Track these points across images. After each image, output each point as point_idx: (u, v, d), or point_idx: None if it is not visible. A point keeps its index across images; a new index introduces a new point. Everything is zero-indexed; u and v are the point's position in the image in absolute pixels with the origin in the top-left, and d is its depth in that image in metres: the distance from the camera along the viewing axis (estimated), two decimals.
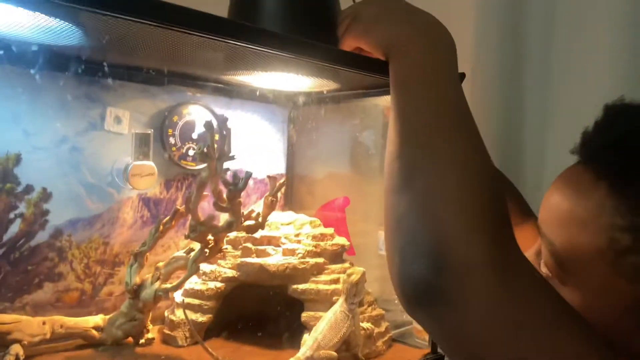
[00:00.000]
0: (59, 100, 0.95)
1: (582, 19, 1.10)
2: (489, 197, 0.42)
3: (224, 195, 0.80)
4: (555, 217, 0.49)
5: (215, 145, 0.81)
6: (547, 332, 0.37)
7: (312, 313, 0.97)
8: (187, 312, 1.00)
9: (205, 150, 0.76)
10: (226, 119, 0.80)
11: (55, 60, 0.90)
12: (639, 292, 0.42)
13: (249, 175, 0.77)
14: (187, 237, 0.87)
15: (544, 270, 0.51)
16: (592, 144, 0.49)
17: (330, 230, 1.10)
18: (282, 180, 0.92)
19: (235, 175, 0.77)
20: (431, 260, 0.40)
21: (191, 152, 1.10)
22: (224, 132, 0.80)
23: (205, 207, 0.94)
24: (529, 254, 0.55)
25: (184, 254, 0.96)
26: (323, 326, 0.91)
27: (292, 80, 0.99)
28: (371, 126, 1.30)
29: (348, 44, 0.64)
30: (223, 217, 0.93)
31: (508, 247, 0.40)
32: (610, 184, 0.45)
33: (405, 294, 0.43)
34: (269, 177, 0.89)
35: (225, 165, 0.79)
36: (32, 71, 0.85)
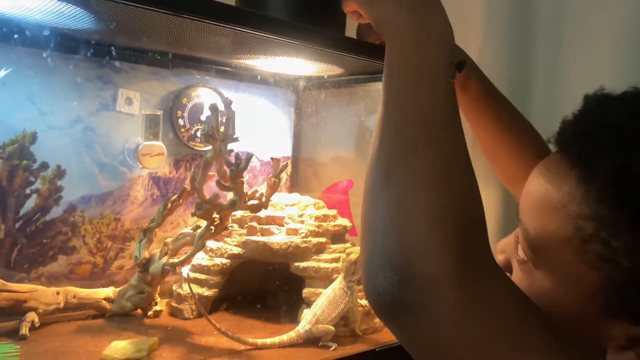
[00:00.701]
0: (72, 82, 0.99)
1: (591, 14, 1.11)
2: (462, 212, 0.42)
3: (228, 175, 0.83)
4: (531, 203, 0.51)
5: (222, 128, 0.84)
6: (513, 344, 0.38)
7: (312, 289, 1.01)
8: (194, 286, 1.04)
9: (209, 131, 0.79)
10: (230, 102, 0.84)
11: (68, 43, 0.94)
12: (601, 279, 0.44)
13: (249, 156, 0.80)
14: (193, 214, 0.91)
15: (520, 254, 0.53)
16: (568, 133, 0.49)
17: (333, 212, 1.14)
18: (284, 163, 0.95)
19: (237, 156, 0.80)
20: (396, 273, 0.40)
21: (199, 134, 1.14)
22: (229, 115, 0.83)
23: (212, 186, 0.98)
24: (511, 237, 0.57)
25: (191, 231, 1.00)
26: (322, 302, 0.94)
27: (298, 64, 1.02)
28: (375, 111, 1.33)
29: (349, 6, 0.61)
30: (230, 197, 0.97)
31: (477, 263, 0.41)
32: (580, 174, 0.46)
33: (371, 301, 0.43)
34: (272, 158, 0.93)
35: (230, 146, 0.83)
36: (44, 54, 0.88)
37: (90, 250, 1.04)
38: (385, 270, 0.41)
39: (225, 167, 0.87)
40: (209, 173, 0.86)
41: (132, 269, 1.09)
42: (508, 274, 0.54)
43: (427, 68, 0.49)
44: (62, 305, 0.95)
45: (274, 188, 0.94)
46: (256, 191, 0.94)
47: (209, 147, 1.17)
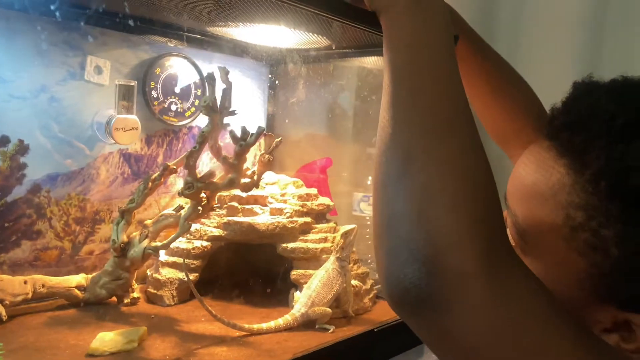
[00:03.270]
0: (36, 47, 0.88)
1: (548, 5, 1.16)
2: (485, 201, 0.42)
3: (232, 151, 0.77)
4: (520, 190, 0.51)
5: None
6: (538, 338, 0.38)
7: (302, 271, 0.98)
8: (172, 270, 0.98)
9: (210, 103, 0.73)
10: (227, 71, 0.78)
11: (31, 2, 0.83)
12: (589, 266, 0.44)
13: (261, 130, 0.75)
14: (181, 194, 0.84)
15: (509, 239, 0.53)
16: (557, 122, 0.49)
17: (314, 191, 1.10)
18: (278, 139, 0.90)
19: (244, 130, 0.74)
20: (424, 266, 0.39)
21: (173, 107, 1.06)
22: (226, 85, 0.77)
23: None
24: None
25: (173, 212, 0.93)
26: (316, 283, 0.91)
27: (277, 35, 0.96)
28: (351, 89, 1.30)
29: None
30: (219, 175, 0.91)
31: (502, 253, 0.40)
32: (570, 163, 0.46)
33: (394, 297, 0.41)
34: (266, 134, 0.87)
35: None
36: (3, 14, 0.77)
37: (57, 234, 0.94)
38: (412, 263, 0.39)
39: (219, 143, 0.81)
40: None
41: (103, 254, 1.00)
42: None
43: (434, 47, 0.48)
44: (30, 295, 0.86)
45: (267, 166, 0.89)
46: (247, 169, 0.89)
47: (183, 122, 1.10)
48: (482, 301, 0.38)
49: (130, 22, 0.94)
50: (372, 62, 1.21)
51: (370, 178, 1.34)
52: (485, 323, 0.38)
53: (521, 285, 0.40)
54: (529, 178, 0.49)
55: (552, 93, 0.89)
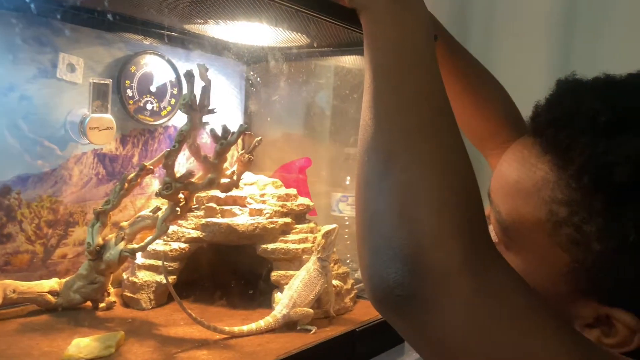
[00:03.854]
0: (5, 43, 0.85)
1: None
2: (467, 199, 0.42)
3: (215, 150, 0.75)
4: (504, 187, 0.51)
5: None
6: (521, 334, 0.38)
7: (282, 272, 0.97)
8: (149, 273, 0.96)
9: (189, 102, 0.71)
10: (207, 69, 0.76)
11: None
12: (572, 261, 0.45)
13: (243, 128, 0.74)
14: (158, 194, 0.82)
15: (492, 235, 0.52)
16: (541, 118, 0.50)
17: (293, 191, 1.09)
18: (259, 138, 0.89)
19: (225, 129, 0.73)
20: (407, 265, 0.39)
21: (149, 106, 1.03)
22: (205, 83, 0.75)
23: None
24: None
25: (150, 213, 0.91)
26: (297, 284, 0.90)
27: (253, 31, 0.95)
28: (328, 88, 1.29)
29: None
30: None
31: (484, 251, 0.40)
32: (554, 159, 0.46)
33: (377, 296, 0.41)
34: (245, 134, 0.86)
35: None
36: None
37: (29, 237, 0.91)
38: (395, 261, 0.39)
39: (197, 142, 0.79)
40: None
41: (76, 258, 0.97)
42: None
43: (415, 45, 0.48)
44: (0, 301, 0.82)
45: (247, 165, 0.87)
46: (226, 168, 0.87)
47: (159, 122, 1.08)
48: (464, 299, 0.38)
49: (105, 19, 0.92)
50: (350, 61, 1.21)
51: (348, 178, 1.34)
52: (468, 320, 0.38)
53: (503, 282, 0.40)
54: (513, 175, 0.50)
55: (523, 93, 0.91)
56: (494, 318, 0.38)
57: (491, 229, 0.53)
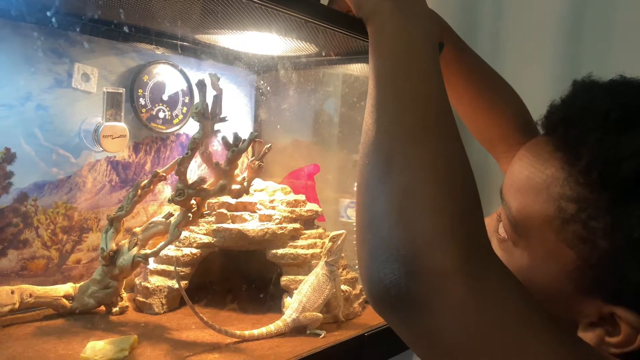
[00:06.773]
0: (23, 54, 0.87)
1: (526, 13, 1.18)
2: (465, 202, 0.42)
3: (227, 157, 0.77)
4: (515, 183, 0.52)
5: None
6: (517, 337, 0.39)
7: (291, 277, 0.98)
8: (162, 278, 0.97)
9: (201, 110, 0.73)
10: (218, 78, 0.78)
11: (18, 9, 0.83)
12: (578, 258, 0.45)
13: (253, 136, 0.75)
14: (171, 200, 0.84)
15: (501, 232, 0.54)
16: (554, 117, 0.51)
17: (302, 197, 1.11)
18: (268, 145, 0.90)
19: (236, 136, 0.75)
20: (404, 266, 0.39)
21: (161, 115, 1.05)
22: (216, 92, 0.77)
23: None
24: (493, 216, 0.58)
25: (162, 219, 0.93)
26: (306, 289, 0.92)
27: (263, 41, 0.97)
28: (336, 95, 1.31)
29: None
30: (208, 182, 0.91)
31: (481, 254, 0.41)
32: (564, 156, 0.47)
33: (375, 296, 0.42)
34: (255, 141, 0.87)
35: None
36: None
37: (44, 243, 0.93)
38: (392, 263, 0.40)
39: (209, 150, 0.81)
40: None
41: (90, 263, 0.99)
42: None
43: (417, 54, 0.49)
44: (17, 305, 0.84)
45: (257, 172, 0.89)
46: (237, 175, 0.89)
47: (171, 130, 1.10)
48: (460, 301, 0.38)
49: (119, 30, 0.94)
50: (358, 69, 1.23)
51: (356, 184, 1.35)
52: (464, 322, 0.38)
53: (499, 285, 0.40)
54: (525, 171, 0.51)
55: (532, 95, 0.91)
56: (490, 321, 0.39)
57: (500, 227, 0.55)
